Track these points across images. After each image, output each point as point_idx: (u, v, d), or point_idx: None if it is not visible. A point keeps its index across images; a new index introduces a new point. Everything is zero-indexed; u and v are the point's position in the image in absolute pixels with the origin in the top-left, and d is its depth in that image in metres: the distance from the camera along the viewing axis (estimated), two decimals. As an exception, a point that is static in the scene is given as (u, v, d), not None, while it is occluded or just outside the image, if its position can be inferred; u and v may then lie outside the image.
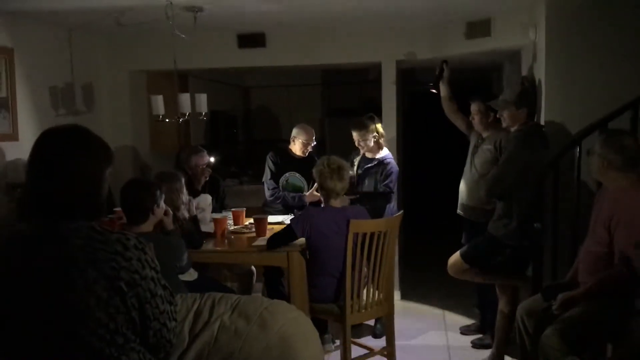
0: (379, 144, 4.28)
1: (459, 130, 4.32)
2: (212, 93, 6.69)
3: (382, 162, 4.25)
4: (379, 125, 4.27)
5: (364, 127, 4.20)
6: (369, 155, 4.31)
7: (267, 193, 4.48)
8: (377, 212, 3.99)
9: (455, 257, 3.67)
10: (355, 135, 4.24)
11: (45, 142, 1.61)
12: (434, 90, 4.48)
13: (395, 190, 4.27)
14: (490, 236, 3.56)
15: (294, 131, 4.48)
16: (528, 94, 3.67)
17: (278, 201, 4.45)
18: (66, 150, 1.58)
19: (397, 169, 4.33)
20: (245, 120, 8.02)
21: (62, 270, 1.49)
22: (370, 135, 4.20)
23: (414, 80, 6.40)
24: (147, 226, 2.77)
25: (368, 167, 4.27)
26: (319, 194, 3.53)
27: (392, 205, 4.26)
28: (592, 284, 2.69)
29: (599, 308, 2.64)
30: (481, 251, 3.60)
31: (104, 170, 1.65)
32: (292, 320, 2.32)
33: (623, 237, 2.62)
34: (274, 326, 2.26)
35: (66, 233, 1.53)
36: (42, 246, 1.53)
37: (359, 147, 4.30)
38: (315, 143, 4.48)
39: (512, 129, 3.60)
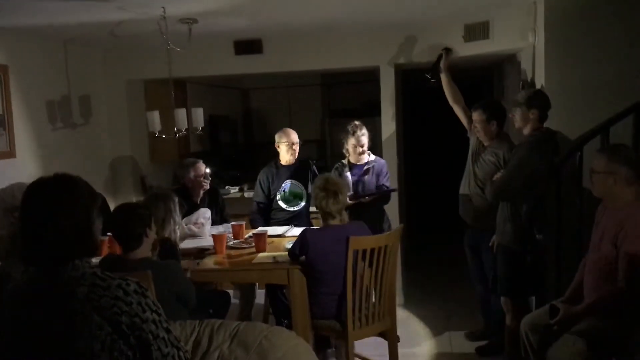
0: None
1: (462, 125, 4.25)
2: (211, 97, 6.66)
3: (375, 162, 4.28)
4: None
5: (365, 128, 4.23)
6: (356, 161, 4.28)
7: (252, 214, 4.50)
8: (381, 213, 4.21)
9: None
10: (357, 139, 4.20)
11: (33, 195, 1.64)
12: (432, 79, 4.43)
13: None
14: (505, 252, 3.53)
15: (275, 138, 4.46)
16: (540, 95, 3.52)
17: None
18: (54, 201, 1.61)
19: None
20: (245, 122, 7.98)
21: (68, 320, 1.54)
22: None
23: (415, 78, 6.32)
24: (143, 251, 2.73)
25: (364, 171, 4.25)
26: None
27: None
28: (593, 300, 2.66)
29: (602, 324, 2.61)
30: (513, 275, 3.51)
31: (91, 212, 1.67)
32: (291, 348, 2.31)
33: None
34: (273, 355, 2.25)
35: (71, 282, 1.58)
36: (47, 296, 1.57)
37: (355, 152, 4.24)
38: (300, 143, 4.44)
39: (524, 132, 3.51)
